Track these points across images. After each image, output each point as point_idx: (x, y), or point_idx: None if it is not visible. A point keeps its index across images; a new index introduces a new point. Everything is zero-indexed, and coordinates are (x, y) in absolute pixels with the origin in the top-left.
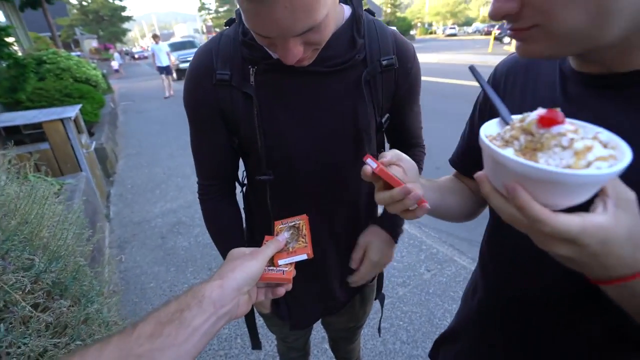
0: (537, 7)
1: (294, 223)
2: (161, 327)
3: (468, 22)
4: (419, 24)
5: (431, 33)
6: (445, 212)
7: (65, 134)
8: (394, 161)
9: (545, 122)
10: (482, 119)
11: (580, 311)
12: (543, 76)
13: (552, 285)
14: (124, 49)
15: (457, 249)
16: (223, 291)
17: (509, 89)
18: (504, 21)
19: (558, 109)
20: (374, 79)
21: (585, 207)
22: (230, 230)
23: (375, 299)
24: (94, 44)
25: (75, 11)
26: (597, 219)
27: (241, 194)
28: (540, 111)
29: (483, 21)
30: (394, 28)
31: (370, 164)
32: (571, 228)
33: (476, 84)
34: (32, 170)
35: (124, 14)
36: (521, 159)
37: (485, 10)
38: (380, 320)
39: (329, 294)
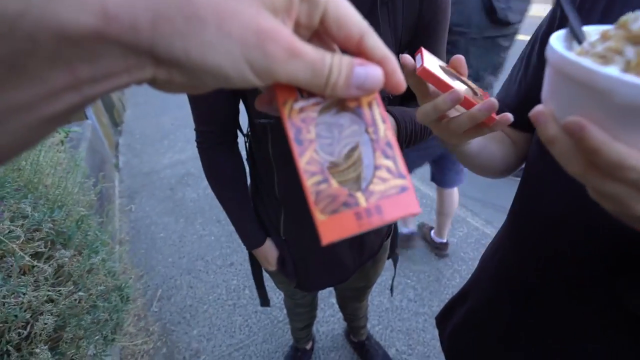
0: None
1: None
2: None
3: None
4: None
5: None
6: (487, 160)
7: None
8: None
9: None
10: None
11: (616, 275)
12: None
13: (588, 241)
14: None
15: (470, 209)
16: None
17: (586, 8)
18: None
19: None
20: (393, 2)
21: None
22: (232, 181)
23: (387, 259)
24: None
25: None
26: None
27: (245, 145)
28: None
29: None
30: None
31: (417, 60)
32: None
33: None
34: None
35: None
36: None
37: None
38: (392, 280)
39: (336, 261)
